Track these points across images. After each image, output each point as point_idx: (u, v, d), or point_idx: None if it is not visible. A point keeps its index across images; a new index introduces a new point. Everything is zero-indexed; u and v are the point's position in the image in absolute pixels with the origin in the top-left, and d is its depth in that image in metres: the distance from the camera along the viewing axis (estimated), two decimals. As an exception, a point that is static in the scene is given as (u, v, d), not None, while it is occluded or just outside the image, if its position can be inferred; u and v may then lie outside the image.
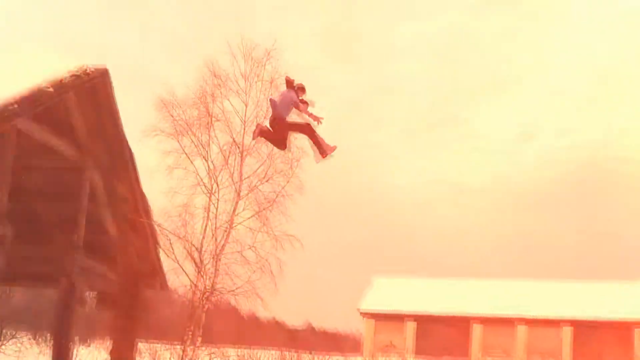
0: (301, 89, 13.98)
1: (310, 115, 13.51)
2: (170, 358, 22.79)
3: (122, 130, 19.69)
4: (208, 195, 23.14)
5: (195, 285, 22.74)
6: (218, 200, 23.22)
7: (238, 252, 23.08)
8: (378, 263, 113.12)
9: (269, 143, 14.60)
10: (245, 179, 23.31)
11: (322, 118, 13.43)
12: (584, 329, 55.12)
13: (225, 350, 31.78)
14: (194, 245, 22.79)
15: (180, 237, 22.77)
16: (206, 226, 22.98)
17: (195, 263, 22.73)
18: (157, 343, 32.04)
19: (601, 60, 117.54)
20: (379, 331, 59.17)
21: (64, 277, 18.66)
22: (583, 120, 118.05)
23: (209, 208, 23.08)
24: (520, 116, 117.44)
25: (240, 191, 23.21)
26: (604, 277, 62.65)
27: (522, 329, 56.70)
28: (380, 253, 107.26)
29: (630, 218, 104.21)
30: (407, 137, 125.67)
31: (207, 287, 22.71)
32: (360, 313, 60.02)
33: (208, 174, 23.19)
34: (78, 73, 17.45)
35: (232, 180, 23.28)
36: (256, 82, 23.61)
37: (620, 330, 54.38)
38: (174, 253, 22.69)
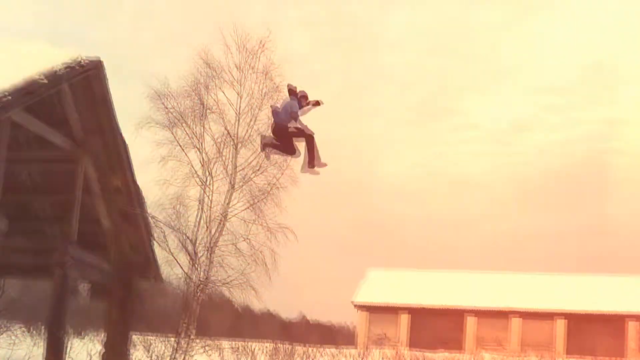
0: (304, 97, 14.09)
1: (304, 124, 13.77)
2: (164, 350, 22.78)
3: (116, 122, 19.68)
4: (202, 186, 23.13)
5: (189, 277, 22.73)
6: (212, 191, 23.21)
7: (232, 243, 23.08)
8: (372, 255, 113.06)
9: (280, 152, 14.80)
10: (239, 170, 23.29)
11: (313, 133, 13.69)
12: (578, 322, 55.24)
13: (219, 342, 31.85)
14: (187, 237, 22.78)
15: (174, 229, 22.76)
16: (200, 218, 22.96)
17: (189, 254, 22.71)
18: (151, 335, 32.07)
19: (596, 52, 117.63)
20: (373, 323, 59.23)
21: (58, 269, 18.68)
22: (577, 113, 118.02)
23: (202, 199, 23.05)
24: (515, 108, 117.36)
25: (234, 183, 23.19)
26: (598, 270, 62.78)
27: (516, 322, 56.81)
28: (374, 245, 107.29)
29: (624, 211, 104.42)
30: (401, 128, 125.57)
31: (201, 279, 22.70)
32: (354, 305, 60.06)
33: (202, 165, 23.17)
34: (72, 65, 17.45)
35: (226, 171, 23.26)
36: (250, 73, 23.58)
37: (613, 323, 54.51)
38: (167, 244, 22.68)
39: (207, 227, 22.91)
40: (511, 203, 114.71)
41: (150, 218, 21.81)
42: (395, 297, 59.41)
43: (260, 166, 23.15)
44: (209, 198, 23.13)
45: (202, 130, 23.26)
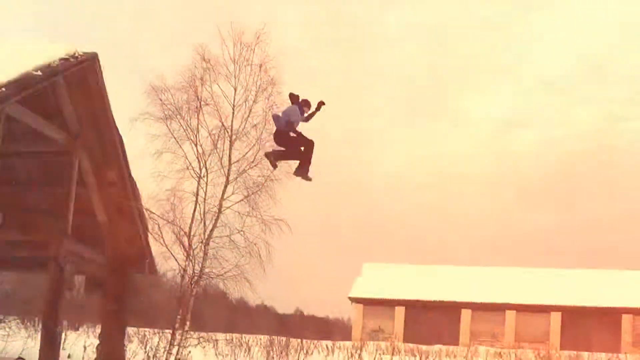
0: (306, 104, 14.16)
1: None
2: (158, 342, 22.80)
3: (111, 115, 19.68)
4: (197, 179, 23.13)
5: (184, 270, 22.74)
6: (207, 184, 23.20)
7: (227, 236, 23.09)
8: (367, 249, 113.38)
9: (289, 160, 15.01)
10: (234, 163, 23.28)
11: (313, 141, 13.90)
12: (573, 316, 55.33)
13: (214, 335, 31.90)
14: (182, 230, 22.79)
15: (169, 222, 22.76)
16: (195, 210, 22.97)
17: (184, 247, 22.72)
18: (146, 327, 32.11)
19: (593, 50, 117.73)
20: (369, 317, 59.27)
21: (53, 262, 18.67)
22: (575, 110, 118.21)
23: (197, 192, 23.06)
24: (512, 104, 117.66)
25: (229, 175, 23.19)
26: (593, 265, 62.93)
27: (511, 316, 56.89)
28: (369, 239, 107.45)
29: (620, 207, 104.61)
30: (398, 124, 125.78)
31: (196, 272, 22.71)
32: (350, 299, 60.10)
33: (197, 158, 23.16)
34: (67, 58, 17.45)
35: (221, 164, 23.25)
36: (245, 66, 23.56)
37: (608, 316, 54.62)
38: (162, 237, 22.68)
39: (202, 219, 22.92)
40: (508, 199, 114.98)
41: (145, 211, 21.83)
42: (390, 291, 59.43)
43: (255, 159, 23.17)
44: (203, 191, 23.13)
45: (198, 123, 23.25)
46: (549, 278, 58.61)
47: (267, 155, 15.32)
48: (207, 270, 22.80)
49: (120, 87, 21.80)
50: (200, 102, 23.24)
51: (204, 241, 22.74)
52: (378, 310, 58.92)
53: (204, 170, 23.19)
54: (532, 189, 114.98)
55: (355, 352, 33.31)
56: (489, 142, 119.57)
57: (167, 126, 22.99)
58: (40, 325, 23.13)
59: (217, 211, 22.97)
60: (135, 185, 21.08)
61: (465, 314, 57.64)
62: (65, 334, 27.39)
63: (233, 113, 23.46)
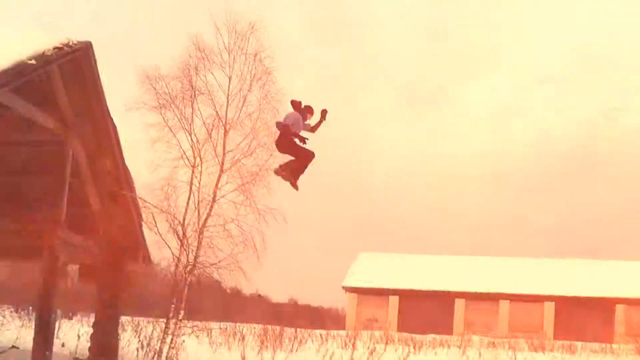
0: (309, 111, 14.20)
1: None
2: (152, 331, 22.81)
3: (105, 104, 19.66)
4: (191, 168, 23.09)
5: (178, 259, 22.73)
6: (201, 173, 23.16)
7: (221, 225, 23.09)
8: (362, 238, 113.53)
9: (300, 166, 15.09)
10: (228, 152, 23.24)
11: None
12: (566, 306, 55.55)
13: (208, 324, 31.92)
14: (177, 219, 22.77)
15: (163, 211, 22.73)
16: (189, 199, 22.95)
17: (178, 236, 22.70)
18: (140, 316, 32.15)
19: (589, 40, 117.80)
20: (363, 306, 59.44)
21: (47, 251, 18.66)
22: (571, 99, 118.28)
23: (191, 181, 23.03)
24: (508, 93, 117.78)
25: (224, 165, 23.16)
26: (587, 255, 63.11)
27: (505, 305, 57.07)
28: (364, 228, 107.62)
29: (615, 198, 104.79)
30: (394, 113, 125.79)
31: (190, 261, 22.71)
32: (344, 288, 60.25)
33: (191, 147, 23.11)
34: (61, 46, 17.41)
35: (215, 153, 23.21)
36: (240, 55, 23.50)
37: (601, 306, 54.83)
38: (156, 226, 22.65)
39: (196, 208, 22.90)
40: (503, 189, 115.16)
41: (139, 200, 21.82)
42: (385, 280, 59.62)
43: (249, 148, 23.15)
44: (198, 180, 23.10)
45: (192, 112, 23.20)
46: (542, 268, 58.81)
47: (278, 173, 15.35)
48: (201, 259, 22.80)
49: (115, 76, 21.77)
50: (194, 91, 23.19)
51: (198, 230, 22.73)
52: (372, 300, 59.11)
53: (198, 159, 23.16)
54: (528, 179, 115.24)
55: (350, 342, 33.37)
56: (485, 131, 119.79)
57: (161, 115, 22.96)
58: (33, 314, 23.13)
59: (211, 200, 22.96)
60: (130, 174, 21.06)
61: (459, 304, 57.83)
62: (59, 323, 27.43)
63: (227, 102, 23.42)
